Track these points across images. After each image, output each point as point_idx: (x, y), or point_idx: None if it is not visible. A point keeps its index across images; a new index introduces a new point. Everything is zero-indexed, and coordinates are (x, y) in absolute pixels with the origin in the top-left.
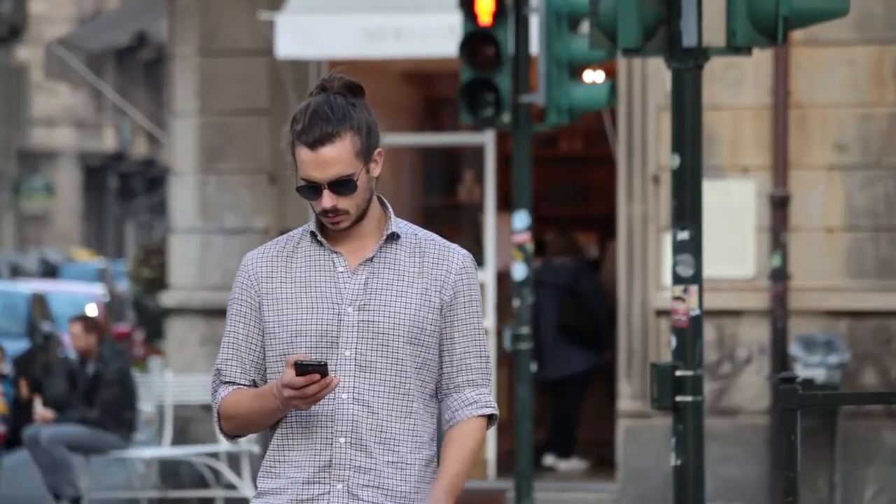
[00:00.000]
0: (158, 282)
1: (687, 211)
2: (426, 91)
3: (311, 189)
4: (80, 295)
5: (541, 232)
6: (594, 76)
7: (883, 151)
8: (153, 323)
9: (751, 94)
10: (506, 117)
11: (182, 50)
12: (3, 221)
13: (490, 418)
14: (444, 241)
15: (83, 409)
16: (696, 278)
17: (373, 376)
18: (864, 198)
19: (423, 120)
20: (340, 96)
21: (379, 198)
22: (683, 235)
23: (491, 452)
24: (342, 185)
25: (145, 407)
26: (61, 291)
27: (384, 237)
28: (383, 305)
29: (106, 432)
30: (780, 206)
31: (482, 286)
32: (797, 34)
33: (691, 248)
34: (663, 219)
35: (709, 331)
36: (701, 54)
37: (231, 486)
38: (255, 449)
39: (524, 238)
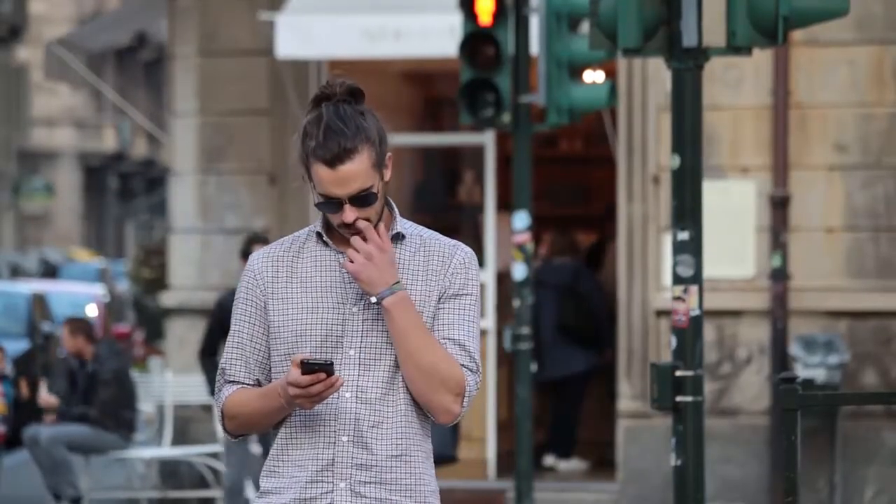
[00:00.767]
0: (158, 282)
1: (687, 211)
2: (426, 91)
3: (331, 204)
4: (80, 295)
5: (540, 232)
6: (594, 76)
7: (883, 151)
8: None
9: (751, 95)
10: (506, 117)
11: (182, 50)
12: (3, 221)
13: (467, 394)
14: (449, 239)
15: (83, 406)
16: (696, 278)
17: (375, 373)
18: (864, 198)
19: (423, 120)
20: (347, 105)
21: (385, 198)
22: (683, 235)
23: (491, 452)
24: (363, 199)
25: (145, 407)
26: (61, 291)
27: (389, 237)
28: None
29: (106, 432)
30: (780, 206)
31: (482, 286)
32: (797, 34)
33: (691, 248)
34: (663, 219)
35: (709, 331)
36: (701, 54)
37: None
38: (256, 449)
39: (524, 238)
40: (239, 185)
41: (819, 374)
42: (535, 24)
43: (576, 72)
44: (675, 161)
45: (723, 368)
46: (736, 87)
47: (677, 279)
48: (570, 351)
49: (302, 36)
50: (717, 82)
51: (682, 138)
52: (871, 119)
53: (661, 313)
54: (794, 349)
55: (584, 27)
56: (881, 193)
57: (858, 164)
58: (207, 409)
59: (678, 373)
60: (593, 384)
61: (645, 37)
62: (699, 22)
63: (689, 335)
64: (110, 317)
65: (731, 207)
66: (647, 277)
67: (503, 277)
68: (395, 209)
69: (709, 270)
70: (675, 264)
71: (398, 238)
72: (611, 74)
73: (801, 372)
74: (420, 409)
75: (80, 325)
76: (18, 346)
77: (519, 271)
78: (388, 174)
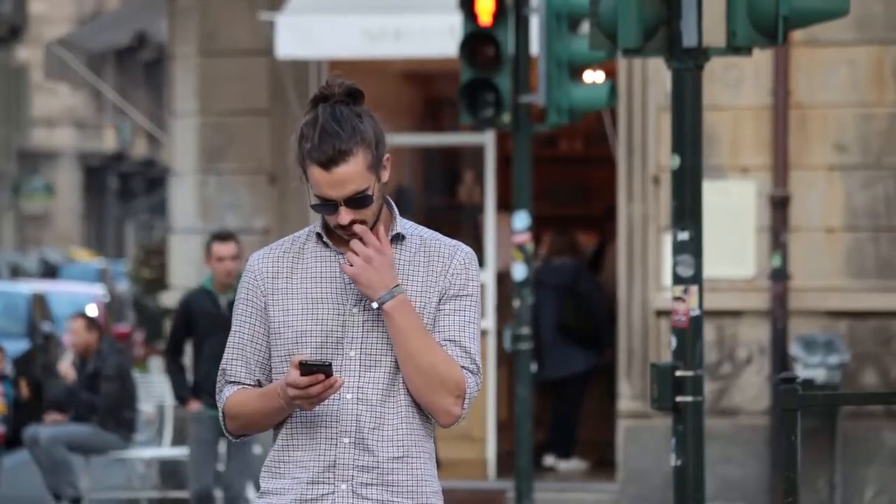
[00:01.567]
0: (158, 282)
1: (687, 211)
2: (426, 91)
3: (327, 206)
4: (80, 295)
5: (540, 232)
6: (594, 76)
7: (883, 151)
8: (153, 323)
9: (751, 95)
10: (506, 117)
11: (182, 50)
12: (3, 221)
13: (468, 395)
14: (449, 240)
15: (88, 395)
16: (697, 278)
17: (377, 375)
18: (864, 198)
19: (423, 120)
20: (345, 106)
21: (385, 199)
22: (683, 236)
23: (491, 452)
24: (358, 201)
25: (145, 407)
26: (61, 292)
27: (389, 238)
28: None
29: (106, 432)
30: (780, 206)
31: (482, 287)
32: (797, 34)
33: (691, 248)
34: (663, 219)
35: (709, 331)
36: (701, 54)
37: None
38: (256, 450)
39: (524, 238)
40: (239, 185)
41: (819, 375)
42: (535, 24)
43: (576, 72)
44: (675, 161)
45: (723, 368)
46: (736, 87)
47: (677, 279)
48: (570, 351)
49: (302, 36)
50: (717, 82)
51: (682, 138)
52: (871, 119)
53: (661, 313)
54: (794, 349)
55: (584, 27)
56: (881, 193)
57: (858, 164)
58: None
59: (678, 373)
60: (593, 384)
61: (645, 37)
62: (699, 22)
63: (689, 335)
64: (110, 317)
65: (731, 207)
66: (647, 277)
67: (503, 277)
68: (396, 209)
69: (709, 270)
70: (675, 264)
71: (398, 239)
72: (611, 74)
73: (801, 372)
74: (422, 410)
75: (94, 321)
76: (18, 346)
77: (519, 271)
78: (385, 176)
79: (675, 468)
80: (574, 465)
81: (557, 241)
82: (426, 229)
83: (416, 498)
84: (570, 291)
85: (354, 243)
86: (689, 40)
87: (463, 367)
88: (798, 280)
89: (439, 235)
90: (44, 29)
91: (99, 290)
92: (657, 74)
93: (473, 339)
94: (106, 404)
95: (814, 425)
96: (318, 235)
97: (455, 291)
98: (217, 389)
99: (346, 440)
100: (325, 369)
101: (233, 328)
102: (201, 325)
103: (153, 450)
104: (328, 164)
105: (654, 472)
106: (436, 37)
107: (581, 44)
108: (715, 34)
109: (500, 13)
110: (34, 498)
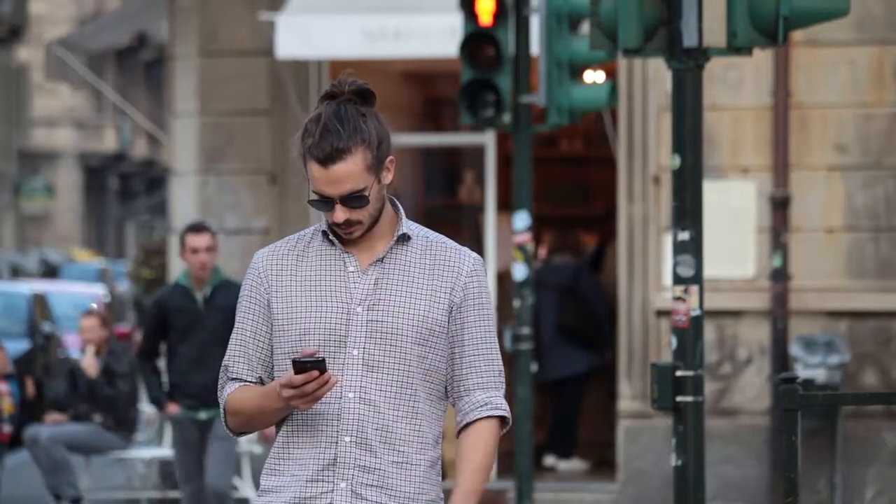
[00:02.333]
0: (158, 282)
1: (687, 211)
2: (426, 91)
3: (324, 203)
4: (80, 295)
5: (540, 232)
6: (595, 77)
7: (883, 152)
8: None
9: (751, 95)
10: (506, 118)
11: (182, 50)
12: (4, 222)
13: (502, 421)
14: (454, 243)
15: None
16: (697, 278)
17: (380, 376)
18: (864, 198)
19: (423, 120)
20: (351, 105)
21: (391, 199)
22: (684, 236)
23: None
24: (354, 200)
25: (146, 407)
26: (62, 292)
27: (395, 238)
28: (392, 305)
29: (106, 432)
30: (780, 206)
31: None
32: (797, 34)
33: (692, 248)
34: (664, 219)
35: (709, 331)
36: (701, 55)
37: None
38: (256, 449)
39: (524, 238)
40: (239, 185)
41: (819, 375)
42: (535, 25)
43: (576, 72)
44: (676, 161)
45: (723, 369)
46: (736, 88)
47: (678, 279)
48: (570, 351)
49: (302, 36)
50: (717, 82)
51: (683, 138)
52: (871, 119)
53: (662, 313)
54: (795, 349)
55: (585, 27)
56: (881, 194)
57: (858, 165)
58: None
59: (678, 373)
60: (593, 384)
61: (645, 37)
62: (699, 22)
63: (689, 335)
64: (111, 317)
65: (732, 207)
66: (648, 277)
67: (503, 277)
68: (402, 210)
69: (709, 270)
70: (675, 264)
71: (403, 239)
72: (611, 75)
73: (802, 372)
74: (431, 417)
75: (105, 318)
76: (19, 346)
77: (519, 271)
78: (388, 177)
79: (676, 468)
80: (574, 465)
81: (554, 241)
82: (432, 232)
83: None
84: (571, 291)
85: None
86: (689, 40)
87: (493, 386)
88: (798, 280)
89: (445, 239)
90: (44, 29)
91: (99, 290)
92: (657, 74)
93: (496, 349)
94: (123, 401)
95: (814, 425)
96: (324, 233)
97: (473, 301)
98: (219, 386)
99: (348, 439)
100: (319, 365)
101: (236, 324)
102: (178, 324)
103: (153, 450)
104: (326, 160)
105: (654, 472)
106: (436, 37)
107: (581, 44)
108: (715, 34)
109: (500, 13)
110: (34, 498)
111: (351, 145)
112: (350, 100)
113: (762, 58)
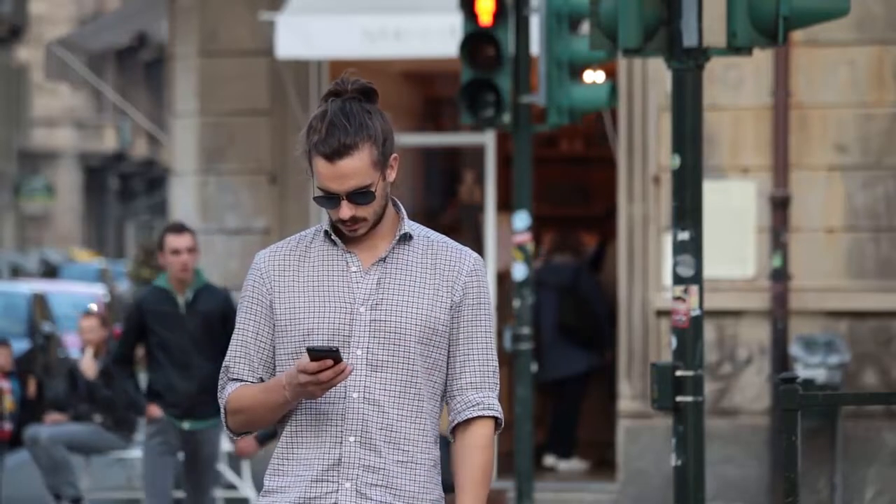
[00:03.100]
0: None
1: (687, 211)
2: (426, 91)
3: (329, 199)
4: (80, 295)
5: (540, 232)
6: (594, 77)
7: (883, 152)
8: None
9: (751, 95)
10: (506, 118)
11: (182, 50)
12: (4, 222)
13: (496, 422)
14: (456, 243)
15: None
16: (697, 278)
17: (384, 376)
18: (864, 198)
19: (423, 120)
20: (356, 102)
21: (392, 199)
22: (684, 236)
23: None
24: (360, 196)
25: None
26: (62, 292)
27: (397, 238)
28: (395, 305)
29: (106, 432)
30: (780, 206)
31: None
32: (797, 34)
33: (692, 248)
34: (664, 219)
35: (709, 331)
36: (701, 55)
37: (231, 486)
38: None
39: (524, 238)
40: (239, 185)
41: (819, 375)
42: (535, 25)
43: (576, 72)
44: (676, 161)
45: (723, 368)
46: (736, 88)
47: (678, 279)
48: (570, 351)
49: (302, 36)
50: (717, 82)
51: (683, 138)
52: (871, 119)
53: (662, 313)
54: (795, 349)
55: (585, 27)
56: (881, 194)
57: (858, 165)
58: None
59: (678, 373)
60: (593, 384)
61: (645, 37)
62: (699, 22)
63: (689, 335)
64: (110, 317)
65: (732, 207)
66: (648, 277)
67: (503, 277)
68: (403, 210)
69: (709, 270)
70: (675, 264)
71: (405, 238)
72: (611, 75)
73: (802, 372)
74: (434, 416)
75: (104, 318)
76: (19, 346)
77: (519, 271)
78: (392, 175)
79: (676, 468)
80: (574, 465)
81: (554, 241)
82: (433, 232)
83: None
84: (571, 291)
85: None
86: (689, 40)
87: (487, 387)
88: (798, 280)
89: (447, 239)
90: (44, 29)
91: (99, 290)
92: (657, 74)
93: (492, 349)
94: (122, 402)
95: (814, 425)
96: (326, 233)
97: (472, 300)
98: (219, 387)
99: (352, 439)
100: (334, 355)
101: (237, 325)
102: (158, 328)
103: None
104: (333, 156)
105: (654, 472)
106: (436, 37)
107: (581, 44)
108: (715, 34)
109: (500, 13)
110: (34, 498)
111: (357, 141)
112: (354, 97)
113: (762, 58)
